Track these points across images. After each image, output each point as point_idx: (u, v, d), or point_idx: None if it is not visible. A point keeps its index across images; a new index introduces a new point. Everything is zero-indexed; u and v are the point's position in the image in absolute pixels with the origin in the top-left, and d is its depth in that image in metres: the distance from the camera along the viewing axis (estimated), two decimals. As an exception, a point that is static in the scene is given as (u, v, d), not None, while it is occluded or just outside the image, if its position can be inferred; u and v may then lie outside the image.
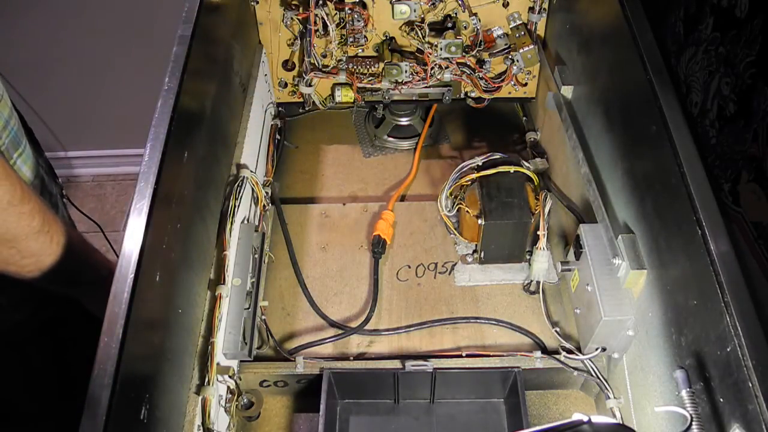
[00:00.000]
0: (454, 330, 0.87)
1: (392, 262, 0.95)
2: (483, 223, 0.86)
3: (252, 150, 0.95)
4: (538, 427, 0.51)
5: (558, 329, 0.85)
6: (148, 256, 0.57)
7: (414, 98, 1.10)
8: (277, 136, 1.11)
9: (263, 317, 0.86)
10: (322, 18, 0.96)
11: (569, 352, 0.81)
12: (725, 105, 0.74)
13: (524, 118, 1.15)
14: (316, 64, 1.03)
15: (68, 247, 0.73)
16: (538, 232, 0.85)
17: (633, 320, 0.70)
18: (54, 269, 0.72)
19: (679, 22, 0.85)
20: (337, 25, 0.99)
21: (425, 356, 0.83)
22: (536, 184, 0.91)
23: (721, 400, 0.54)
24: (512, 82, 1.05)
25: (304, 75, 1.04)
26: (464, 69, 1.02)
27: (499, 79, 1.04)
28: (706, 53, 0.79)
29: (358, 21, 0.99)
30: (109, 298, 0.54)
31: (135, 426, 0.54)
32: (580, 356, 0.79)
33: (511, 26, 1.01)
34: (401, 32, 1.01)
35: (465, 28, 1.00)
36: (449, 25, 0.99)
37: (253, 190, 0.91)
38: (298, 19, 0.99)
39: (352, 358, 0.84)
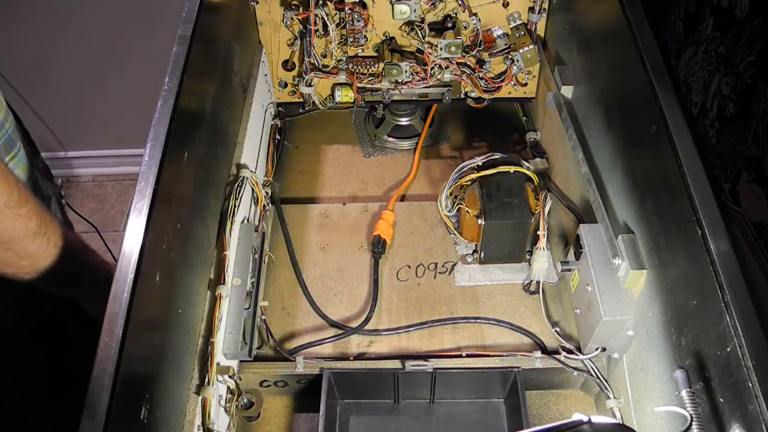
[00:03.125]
0: (454, 330, 0.87)
1: (392, 262, 0.95)
2: (483, 223, 0.86)
3: (252, 150, 0.95)
4: (538, 427, 0.51)
5: (558, 329, 0.85)
6: (148, 256, 0.57)
7: (414, 98, 1.10)
8: (277, 136, 1.11)
9: (263, 317, 0.86)
10: (322, 18, 0.96)
11: (569, 352, 0.81)
12: (725, 105, 0.74)
13: (524, 118, 1.14)
14: (316, 64, 1.03)
15: (66, 250, 0.73)
16: (538, 232, 0.85)
17: (633, 320, 0.70)
18: (51, 271, 0.72)
19: (679, 22, 0.85)
20: (337, 25, 0.99)
21: (425, 356, 0.83)
22: (536, 184, 0.91)
23: (721, 400, 0.54)
24: (512, 82, 1.05)
25: (304, 75, 1.04)
26: (464, 69, 1.02)
27: (499, 79, 1.04)
28: (706, 53, 0.79)
29: (358, 21, 0.99)
30: (109, 298, 0.54)
31: (135, 426, 0.54)
32: (580, 356, 0.79)
33: (511, 26, 1.01)
34: (401, 32, 1.01)
35: (465, 28, 1.00)
36: (449, 25, 0.99)
37: (253, 190, 0.91)
38: (298, 19, 0.99)
39: (352, 358, 0.84)
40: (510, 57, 1.01)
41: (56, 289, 0.78)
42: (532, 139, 1.08)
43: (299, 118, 1.18)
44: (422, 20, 0.99)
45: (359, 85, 1.03)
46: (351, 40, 1.01)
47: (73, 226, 1.02)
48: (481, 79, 1.04)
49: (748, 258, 0.71)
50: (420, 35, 0.98)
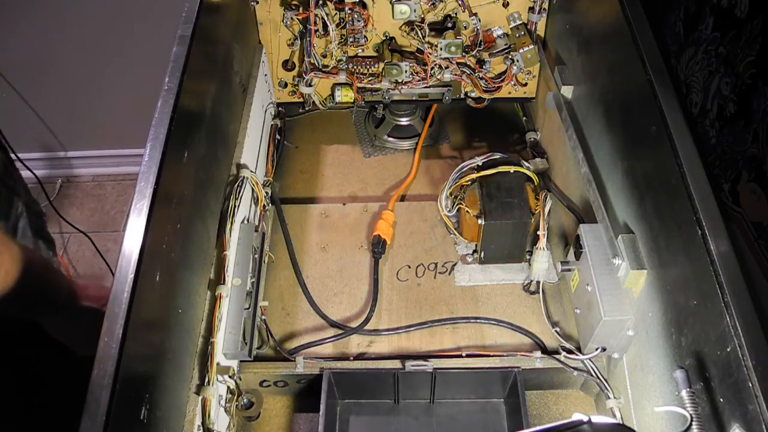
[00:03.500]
0: (454, 330, 0.87)
1: (392, 262, 0.95)
2: (483, 223, 0.86)
3: (252, 150, 0.95)
4: (538, 427, 0.51)
5: (558, 329, 0.85)
6: (148, 256, 0.57)
7: (414, 98, 1.10)
8: (277, 136, 1.11)
9: (263, 317, 0.86)
10: (322, 18, 0.96)
11: (569, 352, 0.81)
12: (725, 105, 0.74)
13: (524, 118, 1.14)
14: (316, 64, 1.03)
15: (23, 275, 0.72)
16: (538, 232, 0.85)
17: (633, 320, 0.70)
18: (5, 297, 0.71)
19: (679, 22, 0.85)
20: (337, 25, 0.99)
21: (425, 356, 0.83)
22: (536, 184, 0.91)
23: (721, 400, 0.54)
24: (512, 82, 1.05)
25: (304, 75, 1.04)
26: (464, 69, 1.02)
27: (499, 79, 1.04)
28: (706, 53, 0.79)
29: (358, 21, 0.99)
30: (109, 299, 0.54)
31: (135, 426, 0.54)
32: (580, 356, 0.79)
33: (511, 26, 1.01)
34: (401, 32, 1.01)
35: (465, 28, 1.00)
36: (449, 25, 0.99)
37: (253, 190, 0.91)
38: (298, 19, 0.99)
39: (352, 358, 0.84)
40: (510, 57, 1.01)
41: (14, 312, 0.76)
42: (532, 139, 1.08)
43: (299, 118, 1.18)
44: (422, 20, 0.99)
45: (359, 85, 1.03)
46: (351, 40, 1.01)
47: (53, 239, 1.00)
48: (481, 79, 1.04)
49: (748, 258, 0.71)
50: (420, 35, 0.98)
